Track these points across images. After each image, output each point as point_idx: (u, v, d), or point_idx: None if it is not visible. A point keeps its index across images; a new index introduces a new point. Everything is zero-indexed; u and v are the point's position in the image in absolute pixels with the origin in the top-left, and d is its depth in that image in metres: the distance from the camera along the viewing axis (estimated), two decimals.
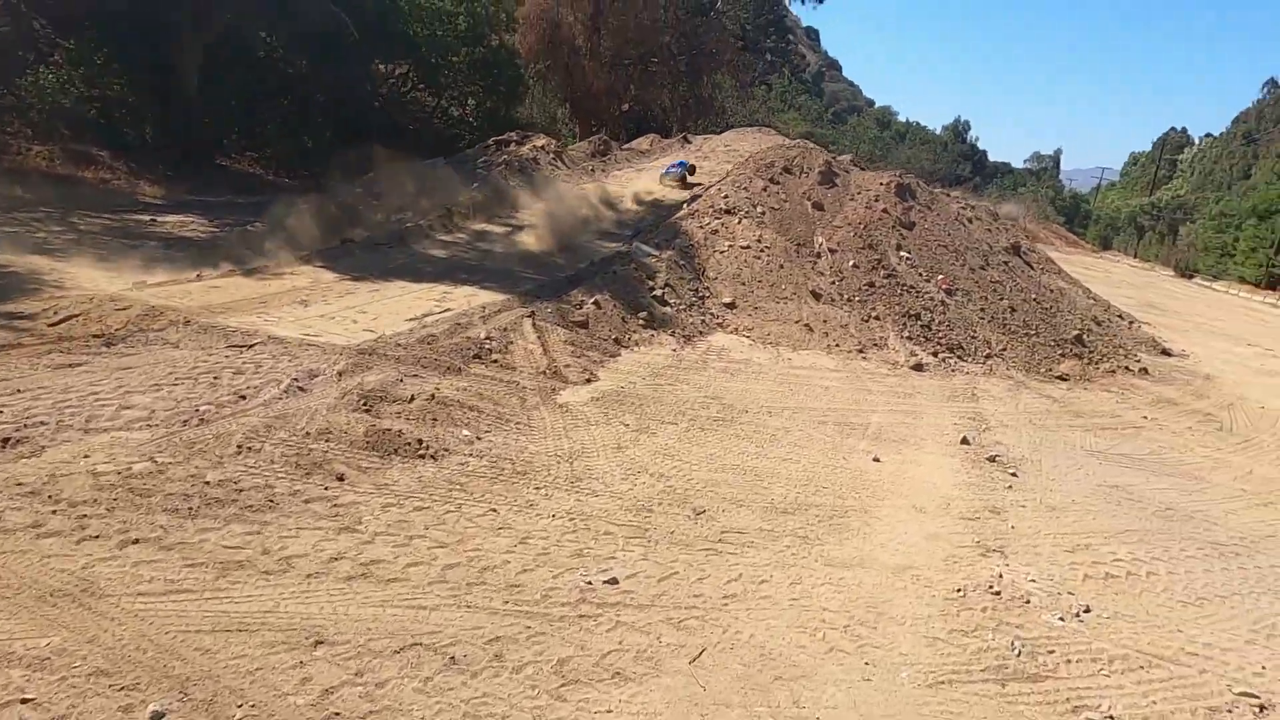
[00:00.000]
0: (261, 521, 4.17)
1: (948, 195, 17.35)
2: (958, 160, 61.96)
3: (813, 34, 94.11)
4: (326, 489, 4.64)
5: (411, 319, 8.20)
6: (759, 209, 12.80)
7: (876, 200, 13.39)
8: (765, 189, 13.43)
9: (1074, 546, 5.34)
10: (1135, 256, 49.18)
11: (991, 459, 6.82)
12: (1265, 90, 62.21)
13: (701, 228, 12.29)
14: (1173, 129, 70.50)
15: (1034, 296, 13.06)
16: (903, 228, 13.03)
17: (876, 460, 6.46)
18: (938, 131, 66.76)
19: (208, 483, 4.42)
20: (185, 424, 5.12)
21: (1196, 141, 68.98)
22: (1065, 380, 10.53)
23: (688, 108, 34.02)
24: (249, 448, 4.89)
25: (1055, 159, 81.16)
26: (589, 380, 7.55)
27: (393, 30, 23.60)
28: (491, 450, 5.56)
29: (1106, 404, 9.60)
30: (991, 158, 71.42)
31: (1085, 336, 12.25)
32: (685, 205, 13.51)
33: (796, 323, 10.69)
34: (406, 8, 23.82)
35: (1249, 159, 56.00)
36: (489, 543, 4.35)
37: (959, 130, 67.00)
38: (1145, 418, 9.16)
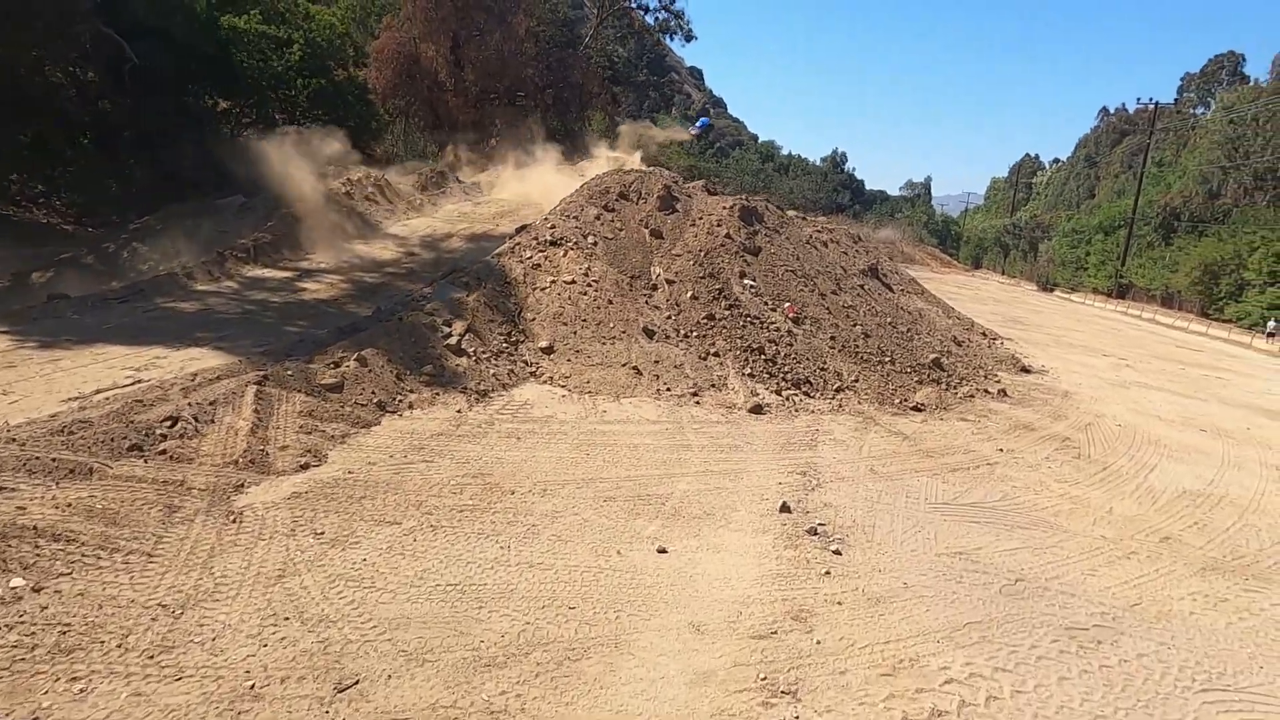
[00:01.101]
0: None
1: (805, 219, 16.66)
2: (838, 189, 64.20)
3: (697, 73, 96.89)
4: None
5: (73, 398, 6.12)
6: (590, 239, 11.39)
7: (719, 225, 12.29)
8: (599, 217, 12.07)
9: (895, 665, 3.94)
10: (1003, 273, 51.96)
11: (813, 531, 5.45)
12: (1100, 118, 68.24)
13: (521, 263, 10.73)
14: (1027, 155, 76.46)
15: (890, 320, 12.24)
16: (748, 254, 11.95)
17: (662, 551, 4.94)
18: (818, 163, 69.14)
19: None
20: None
21: (1047, 166, 74.75)
22: (921, 410, 9.54)
23: (560, 142, 32.90)
24: None
25: (926, 186, 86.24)
26: (306, 466, 5.70)
27: (210, 57, 21.25)
28: (45, 609, 3.63)
29: (961, 436, 8.60)
30: (869, 186, 74.84)
31: (944, 359, 11.45)
32: (509, 239, 11.95)
33: (623, 365, 9.23)
34: (228, 35, 21.59)
35: (1092, 180, 60.82)
36: None
37: (837, 161, 69.70)
38: (1000, 450, 8.19)
